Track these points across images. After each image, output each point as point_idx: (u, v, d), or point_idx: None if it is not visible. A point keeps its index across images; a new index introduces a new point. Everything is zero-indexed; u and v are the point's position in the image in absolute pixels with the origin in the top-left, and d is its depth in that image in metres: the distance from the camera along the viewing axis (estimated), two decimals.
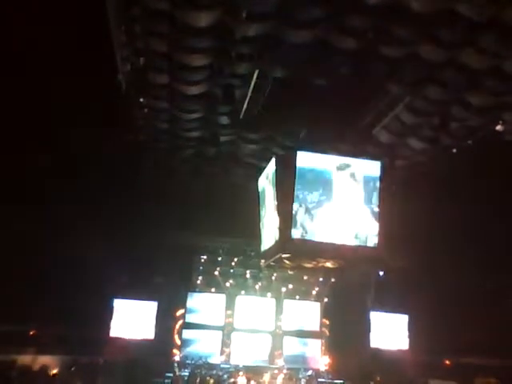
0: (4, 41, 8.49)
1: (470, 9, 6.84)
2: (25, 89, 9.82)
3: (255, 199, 10.75)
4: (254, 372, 14.85)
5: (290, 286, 17.17)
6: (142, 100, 9.67)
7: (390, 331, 16.28)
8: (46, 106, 10.56)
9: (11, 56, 8.95)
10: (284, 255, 9.59)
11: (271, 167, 9.62)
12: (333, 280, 16.94)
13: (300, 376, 15.18)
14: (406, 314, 16.31)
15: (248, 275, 16.94)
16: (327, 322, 17.06)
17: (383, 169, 9.83)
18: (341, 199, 9.56)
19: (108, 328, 14.99)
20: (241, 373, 14.49)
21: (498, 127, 9.63)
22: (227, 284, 16.87)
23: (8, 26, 8.14)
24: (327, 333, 16.97)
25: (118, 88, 8.84)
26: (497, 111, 9.38)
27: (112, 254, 14.01)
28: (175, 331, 16.08)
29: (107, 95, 9.29)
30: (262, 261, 15.07)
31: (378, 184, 9.74)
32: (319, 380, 15.27)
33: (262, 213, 10.55)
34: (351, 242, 9.48)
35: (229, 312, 16.61)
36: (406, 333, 16.21)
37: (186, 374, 14.40)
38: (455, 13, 6.95)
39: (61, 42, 8.44)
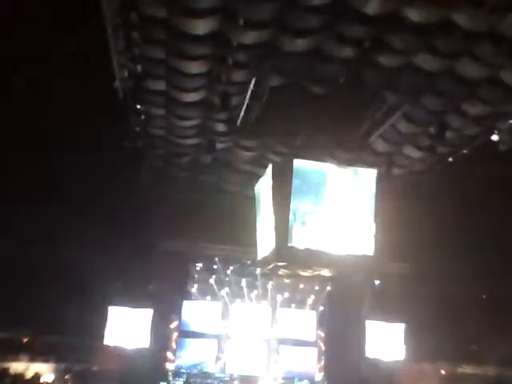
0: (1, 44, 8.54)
1: (467, 19, 6.88)
2: (22, 94, 9.85)
3: (251, 207, 10.71)
4: (248, 381, 14.78)
5: (286, 295, 17.12)
6: (138, 107, 9.67)
7: (386, 340, 16.19)
8: (43, 111, 10.59)
9: (8, 57, 8.98)
10: (280, 263, 9.54)
11: (267, 175, 9.61)
12: (329, 288, 16.90)
13: None
14: (402, 322, 16.24)
15: (244, 283, 16.89)
16: (323, 331, 17.00)
17: (379, 177, 9.84)
18: (337, 207, 9.55)
19: (102, 336, 14.88)
20: (235, 382, 14.41)
21: (494, 137, 9.69)
22: (223, 292, 16.81)
23: (5, 28, 8.17)
24: (323, 342, 16.91)
25: (115, 95, 8.85)
26: (492, 121, 9.43)
27: (107, 260, 13.97)
28: (170, 340, 15.98)
29: (104, 102, 9.32)
30: (258, 269, 15.09)
31: (374, 192, 9.74)
32: None
33: (259, 221, 10.51)
34: (348, 250, 9.45)
35: (224, 320, 16.54)
36: (403, 342, 16.11)
37: (181, 382, 14.32)
38: (452, 23, 6.99)
39: (58, 48, 8.46)
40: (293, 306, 17.26)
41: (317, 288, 17.19)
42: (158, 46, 7.91)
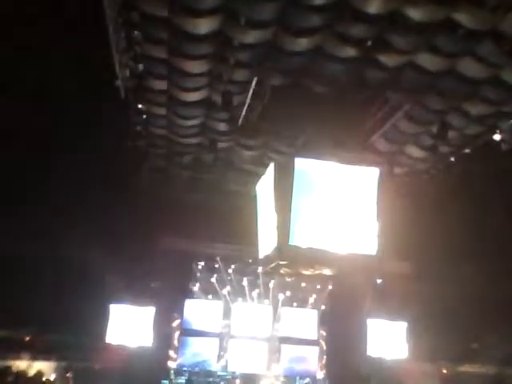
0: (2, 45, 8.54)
1: (468, 18, 6.85)
2: (22, 94, 9.85)
3: (253, 206, 10.70)
4: (250, 380, 14.79)
5: (288, 293, 17.12)
6: (140, 106, 9.66)
7: (388, 339, 16.14)
8: (43, 111, 10.60)
9: (8, 58, 8.99)
10: (282, 262, 9.54)
11: (269, 173, 9.60)
12: (330, 287, 16.90)
13: None
14: (404, 321, 16.18)
15: (245, 282, 16.89)
16: (324, 330, 17.00)
17: (381, 176, 9.82)
18: (339, 206, 9.53)
19: (104, 334, 14.88)
20: (237, 380, 14.44)
21: (496, 136, 9.67)
22: (224, 291, 16.82)
23: (6, 28, 8.17)
24: (324, 340, 16.91)
25: (117, 94, 8.83)
26: (494, 120, 9.40)
27: (109, 258, 13.98)
28: (172, 338, 15.99)
29: (105, 102, 9.31)
30: (260, 268, 15.08)
31: (376, 191, 9.72)
32: None
33: (260, 219, 10.51)
34: (350, 249, 9.43)
35: (226, 319, 16.55)
36: (405, 340, 16.04)
37: (183, 381, 14.34)
38: (454, 22, 6.96)
39: (58, 48, 8.46)
40: (294, 304, 17.27)
41: (318, 287, 17.19)
42: (159, 45, 7.89)
